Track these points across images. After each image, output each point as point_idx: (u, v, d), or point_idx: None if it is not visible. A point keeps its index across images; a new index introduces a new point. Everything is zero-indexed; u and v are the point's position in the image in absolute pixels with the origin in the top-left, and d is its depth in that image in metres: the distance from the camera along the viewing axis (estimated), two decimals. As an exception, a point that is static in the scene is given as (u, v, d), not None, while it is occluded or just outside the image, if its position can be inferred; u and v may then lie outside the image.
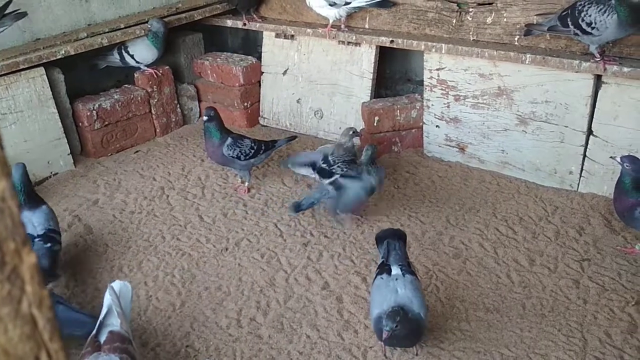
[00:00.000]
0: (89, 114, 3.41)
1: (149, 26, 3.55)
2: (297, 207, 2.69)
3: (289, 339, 2.13)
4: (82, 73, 3.59)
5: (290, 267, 2.50)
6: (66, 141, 3.34)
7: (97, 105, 3.44)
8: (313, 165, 2.88)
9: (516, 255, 2.49)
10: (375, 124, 3.31)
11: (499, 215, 2.77)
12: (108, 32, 3.48)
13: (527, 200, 2.88)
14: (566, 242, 2.55)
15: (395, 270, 2.00)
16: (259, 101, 3.94)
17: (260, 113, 3.95)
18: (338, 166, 2.73)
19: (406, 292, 1.92)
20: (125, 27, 3.58)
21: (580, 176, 2.87)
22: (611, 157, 2.47)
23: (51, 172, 3.30)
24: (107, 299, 1.86)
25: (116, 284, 1.92)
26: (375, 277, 2.04)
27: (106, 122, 3.50)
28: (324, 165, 2.77)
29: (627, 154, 2.38)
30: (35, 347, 0.47)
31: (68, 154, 3.36)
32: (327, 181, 2.72)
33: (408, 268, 2.02)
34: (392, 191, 3.02)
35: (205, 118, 2.95)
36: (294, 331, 2.16)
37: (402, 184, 3.09)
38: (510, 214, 2.78)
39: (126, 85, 3.74)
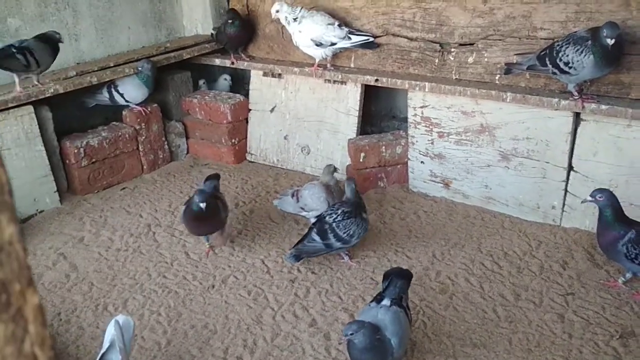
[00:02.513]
0: (76, 151, 3.42)
1: (140, 67, 3.60)
2: (298, 258, 2.67)
3: (276, 377, 2.11)
4: (71, 111, 3.62)
5: (277, 304, 2.49)
6: (53, 178, 3.34)
7: (84, 143, 3.46)
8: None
9: (502, 290, 2.50)
10: (361, 160, 3.35)
11: (484, 250, 2.80)
12: (97, 70, 3.53)
13: (511, 235, 2.91)
14: (550, 276, 2.57)
15: (386, 301, 2.01)
16: (246, 138, 3.99)
17: (248, 149, 3.99)
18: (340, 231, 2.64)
19: (385, 318, 1.93)
20: (114, 66, 3.63)
21: (563, 211, 2.92)
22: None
23: (37, 210, 3.29)
24: (110, 333, 1.85)
25: (120, 318, 1.90)
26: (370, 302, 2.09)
27: (93, 160, 3.51)
28: (326, 227, 2.64)
29: (597, 188, 2.42)
30: (35, 385, 0.48)
31: (55, 192, 3.36)
32: (338, 245, 2.64)
33: (399, 302, 2.02)
34: (378, 226, 3.05)
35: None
36: (281, 369, 2.14)
37: (388, 219, 3.12)
38: (495, 248, 2.81)
39: (114, 123, 3.77)
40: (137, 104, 3.71)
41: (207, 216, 2.69)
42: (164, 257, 2.89)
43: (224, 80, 4.25)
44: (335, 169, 2.99)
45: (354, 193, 2.68)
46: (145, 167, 3.81)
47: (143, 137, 3.75)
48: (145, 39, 4.02)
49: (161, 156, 3.90)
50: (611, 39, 2.44)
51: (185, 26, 4.27)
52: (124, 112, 3.76)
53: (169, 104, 4.03)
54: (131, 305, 2.53)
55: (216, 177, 3.04)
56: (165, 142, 3.92)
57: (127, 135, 3.67)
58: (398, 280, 2.10)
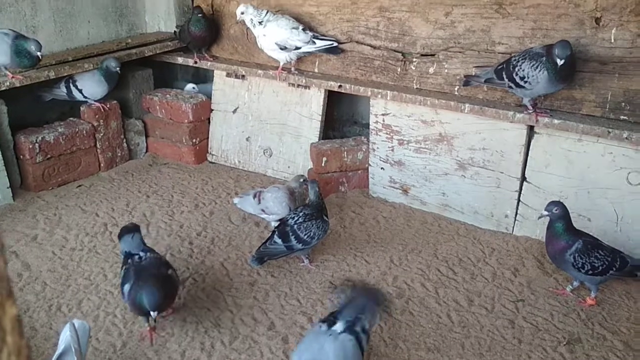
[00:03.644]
0: (31, 146, 3.32)
1: (105, 64, 3.52)
2: (261, 261, 2.67)
3: (233, 380, 2.11)
4: (26, 105, 3.51)
5: (236, 307, 2.49)
6: (5, 174, 3.24)
7: (40, 138, 3.37)
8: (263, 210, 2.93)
9: (456, 296, 2.58)
10: (323, 164, 3.39)
11: (440, 256, 2.87)
12: (55, 64, 3.44)
13: (466, 242, 3.00)
14: (502, 283, 2.67)
15: (338, 325, 1.84)
16: (207, 138, 3.96)
17: (209, 150, 3.97)
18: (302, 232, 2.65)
19: (329, 351, 1.77)
20: (73, 60, 3.55)
21: (515, 220, 3.03)
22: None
23: (-13, 206, 3.19)
24: (66, 336, 1.82)
25: (77, 322, 1.88)
26: (320, 321, 1.91)
27: (49, 155, 3.42)
28: (287, 230, 2.66)
29: (552, 201, 2.52)
30: (11, 394, 0.49)
31: (7, 187, 3.25)
32: (299, 247, 2.66)
33: (353, 327, 1.83)
34: (338, 230, 3.09)
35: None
36: (239, 372, 2.15)
37: (348, 224, 3.16)
38: (451, 255, 2.89)
39: (71, 119, 3.68)
40: (95, 100, 3.63)
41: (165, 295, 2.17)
42: (120, 258, 2.83)
43: (192, 89, 4.12)
44: (305, 181, 2.98)
45: (317, 195, 2.72)
46: (102, 164, 3.74)
47: (101, 134, 3.68)
48: (106, 34, 3.94)
49: (119, 154, 3.83)
50: (561, 59, 2.55)
51: (148, 22, 4.21)
52: (81, 108, 3.68)
53: (129, 101, 3.96)
54: (86, 306, 2.48)
55: (136, 229, 2.42)
56: (124, 140, 3.85)
57: (84, 132, 3.59)
58: (363, 299, 1.91)
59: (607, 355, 2.23)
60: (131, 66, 3.92)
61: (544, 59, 2.65)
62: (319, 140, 3.54)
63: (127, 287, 2.17)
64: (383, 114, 3.31)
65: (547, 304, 2.52)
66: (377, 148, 3.38)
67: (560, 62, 2.55)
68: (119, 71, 3.54)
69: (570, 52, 2.56)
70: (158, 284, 2.13)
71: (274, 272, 2.73)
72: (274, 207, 2.94)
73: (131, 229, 2.43)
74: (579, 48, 2.74)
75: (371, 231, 3.10)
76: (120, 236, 2.44)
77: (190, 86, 4.11)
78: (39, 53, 3.09)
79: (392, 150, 3.33)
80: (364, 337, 1.86)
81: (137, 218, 3.19)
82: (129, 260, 2.30)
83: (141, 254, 2.33)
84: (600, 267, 2.39)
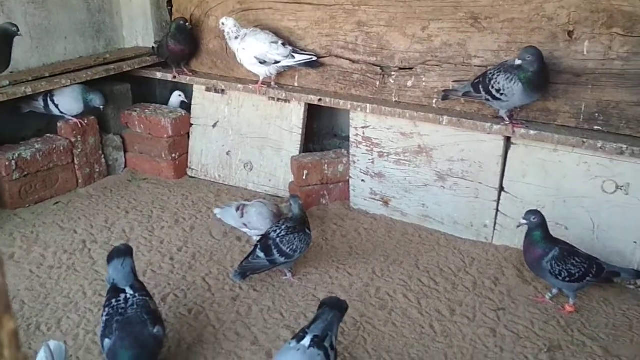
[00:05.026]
0: (7, 163, 3.27)
1: (91, 96, 3.58)
2: (243, 275, 2.67)
3: (217, 396, 2.09)
4: (2, 121, 3.47)
5: (219, 323, 2.48)
6: (-19, 192, 3.19)
7: (16, 155, 3.32)
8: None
9: (438, 306, 2.60)
10: (304, 177, 3.40)
11: (422, 267, 2.90)
12: (32, 80, 3.40)
13: (446, 252, 3.03)
14: (483, 292, 2.70)
15: (306, 340, 1.90)
16: (187, 152, 3.95)
17: (189, 164, 3.96)
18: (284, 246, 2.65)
19: None
20: (50, 76, 3.52)
21: (494, 229, 3.08)
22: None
23: (-38, 224, 3.12)
24: (42, 358, 1.78)
25: (52, 344, 1.84)
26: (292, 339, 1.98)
27: (25, 172, 3.37)
28: (270, 243, 2.66)
29: (530, 210, 2.57)
30: (7, 406, 0.49)
31: (-18, 205, 3.20)
32: (282, 260, 2.65)
33: (321, 342, 1.90)
34: (320, 243, 3.09)
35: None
36: (223, 388, 2.13)
37: (330, 236, 3.17)
38: (432, 265, 2.91)
39: (48, 135, 3.64)
40: (72, 116, 3.60)
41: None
42: (100, 275, 2.80)
43: (179, 97, 4.09)
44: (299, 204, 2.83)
45: (300, 209, 2.72)
46: (80, 181, 3.69)
47: (79, 150, 3.64)
48: (83, 49, 3.92)
49: (97, 170, 3.80)
50: (519, 59, 2.65)
51: (126, 37, 4.20)
52: (58, 124, 3.64)
53: (107, 117, 3.93)
54: (65, 325, 2.44)
55: (127, 252, 2.25)
56: (102, 156, 3.82)
57: (61, 148, 3.55)
58: (330, 312, 2.00)
59: (587, 361, 2.27)
60: (109, 81, 3.90)
61: (518, 71, 2.71)
62: (300, 153, 3.56)
63: (107, 342, 1.98)
64: (363, 127, 3.34)
65: (527, 311, 2.56)
66: (358, 160, 3.40)
67: (517, 62, 2.64)
68: (102, 110, 3.66)
69: (531, 55, 2.63)
70: (140, 350, 1.95)
71: (256, 286, 2.72)
72: (257, 222, 2.94)
73: (122, 253, 2.23)
74: (553, 61, 2.81)
75: (353, 243, 3.12)
76: (109, 259, 2.23)
77: (177, 94, 4.08)
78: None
79: (373, 162, 3.36)
80: (332, 353, 1.93)
81: (117, 234, 3.16)
82: (113, 302, 2.08)
83: (128, 293, 2.11)
84: (577, 274, 2.44)
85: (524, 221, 2.52)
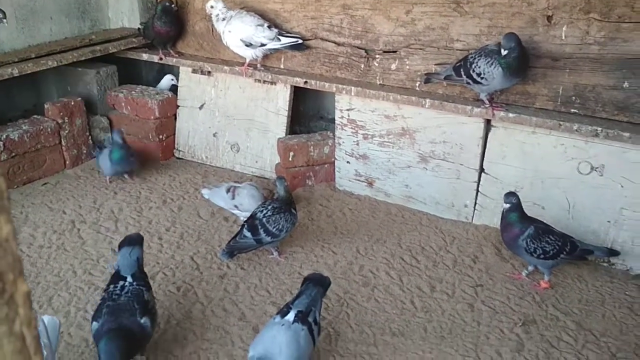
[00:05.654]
0: (-6, 144, 3.30)
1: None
2: (231, 254, 2.74)
3: (206, 370, 2.18)
4: (-12, 103, 3.48)
5: (207, 300, 2.55)
6: (-32, 173, 3.20)
7: (4, 136, 3.34)
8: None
9: (419, 283, 2.70)
10: (290, 159, 3.46)
11: (404, 246, 2.99)
12: (18, 62, 3.41)
13: (428, 232, 3.13)
14: (462, 269, 2.80)
15: (290, 315, 1.98)
16: (174, 134, 3.98)
17: (176, 146, 4.00)
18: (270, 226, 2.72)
19: (282, 341, 1.90)
20: (36, 57, 3.52)
21: (474, 209, 3.17)
22: (504, 209, 2.64)
23: (-50, 205, 3.14)
24: None
25: (46, 318, 1.91)
26: (276, 314, 2.06)
27: (13, 154, 3.39)
28: (256, 223, 2.73)
29: (508, 192, 2.66)
30: (23, 360, 0.56)
31: (-30, 186, 3.22)
32: (268, 239, 2.72)
33: (305, 317, 1.98)
34: (306, 223, 3.17)
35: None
36: (211, 362, 2.21)
37: (315, 216, 3.25)
38: (414, 244, 3.01)
39: (35, 116, 3.65)
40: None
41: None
42: (89, 254, 2.86)
43: (171, 80, 4.09)
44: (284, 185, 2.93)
45: (286, 190, 2.79)
46: (67, 162, 3.73)
47: (66, 132, 3.67)
48: (69, 30, 3.91)
49: (85, 151, 3.83)
50: (504, 49, 2.71)
51: (111, 18, 4.19)
52: (45, 106, 3.65)
53: (93, 98, 3.94)
54: (56, 303, 2.51)
55: (138, 242, 2.29)
56: (90, 137, 3.85)
57: (49, 129, 3.57)
58: (313, 288, 2.08)
59: (560, 334, 2.38)
60: (95, 63, 3.91)
61: (498, 55, 2.78)
62: (286, 135, 3.61)
63: (95, 325, 2.02)
64: (348, 109, 3.40)
65: (504, 288, 2.66)
66: (343, 142, 3.47)
67: (503, 52, 2.70)
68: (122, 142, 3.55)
69: (514, 43, 2.69)
70: (120, 341, 1.93)
71: (243, 264, 2.80)
72: (249, 204, 3.00)
73: (133, 241, 2.27)
74: (532, 45, 2.88)
75: (338, 223, 3.20)
76: (120, 246, 2.28)
77: (169, 77, 4.09)
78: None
79: (357, 144, 3.43)
80: (315, 328, 2.01)
81: (105, 215, 3.21)
82: (110, 287, 2.12)
83: (128, 281, 2.14)
84: (551, 252, 2.54)
85: (508, 205, 2.60)
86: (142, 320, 2.02)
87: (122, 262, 2.20)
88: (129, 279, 2.16)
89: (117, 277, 2.18)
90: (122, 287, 2.11)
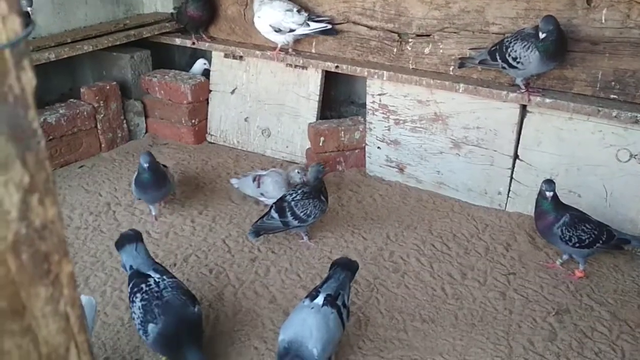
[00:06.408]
0: (33, 128, 3.37)
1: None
2: (257, 234, 2.77)
3: (237, 351, 2.21)
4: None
5: (238, 282, 2.59)
6: (8, 155, 3.29)
7: (41, 120, 3.41)
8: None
9: (450, 270, 2.68)
10: (320, 144, 3.46)
11: (435, 232, 2.97)
12: (54, 46, 3.47)
13: (460, 219, 3.09)
14: (494, 257, 2.77)
15: (319, 299, 1.99)
16: (206, 119, 4.02)
17: (208, 130, 4.03)
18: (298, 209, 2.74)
19: (312, 324, 1.91)
20: (72, 42, 3.58)
21: (508, 196, 3.12)
22: (547, 198, 2.54)
23: (-8, 187, 3.25)
24: None
25: (83, 298, 1.95)
26: (305, 297, 2.08)
27: (50, 137, 3.48)
28: (285, 205, 2.75)
29: (546, 179, 2.57)
30: (67, 339, 0.58)
31: (10, 168, 3.31)
32: (295, 223, 2.74)
33: (334, 301, 1.99)
34: (336, 208, 3.17)
35: None
36: (242, 344, 2.25)
37: (345, 202, 3.25)
38: (445, 231, 2.98)
39: (71, 100, 3.73)
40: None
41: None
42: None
43: (203, 65, 4.10)
44: (301, 171, 3.07)
45: (317, 176, 2.79)
46: (103, 145, 3.80)
47: (102, 115, 3.74)
48: (103, 15, 3.96)
49: (120, 135, 3.89)
50: (543, 32, 2.63)
51: (145, 3, 4.23)
52: (82, 90, 3.73)
53: (127, 83, 4.00)
54: (93, 283, 2.57)
55: (138, 237, 2.24)
56: (124, 121, 3.91)
57: (85, 113, 3.65)
58: (342, 272, 2.10)
59: (594, 324, 2.34)
60: (130, 47, 3.96)
61: (535, 39, 2.71)
62: (317, 120, 3.61)
63: (152, 327, 1.96)
64: (380, 94, 3.37)
65: (537, 276, 2.63)
66: (374, 127, 3.45)
67: (542, 35, 2.62)
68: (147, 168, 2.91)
69: (553, 26, 2.62)
70: (198, 344, 1.97)
71: (274, 248, 2.82)
72: (273, 191, 3.02)
73: (133, 238, 2.20)
74: (571, 28, 2.80)
75: (368, 209, 3.19)
76: (120, 245, 2.21)
77: (201, 62, 4.12)
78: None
79: (389, 129, 3.40)
80: (344, 311, 2.02)
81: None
82: (144, 287, 2.05)
83: (155, 276, 2.09)
84: (587, 240, 2.49)
85: (549, 192, 2.51)
86: (196, 309, 2.05)
87: (135, 261, 2.16)
88: (154, 274, 2.11)
89: (140, 275, 2.11)
90: (156, 283, 2.06)
